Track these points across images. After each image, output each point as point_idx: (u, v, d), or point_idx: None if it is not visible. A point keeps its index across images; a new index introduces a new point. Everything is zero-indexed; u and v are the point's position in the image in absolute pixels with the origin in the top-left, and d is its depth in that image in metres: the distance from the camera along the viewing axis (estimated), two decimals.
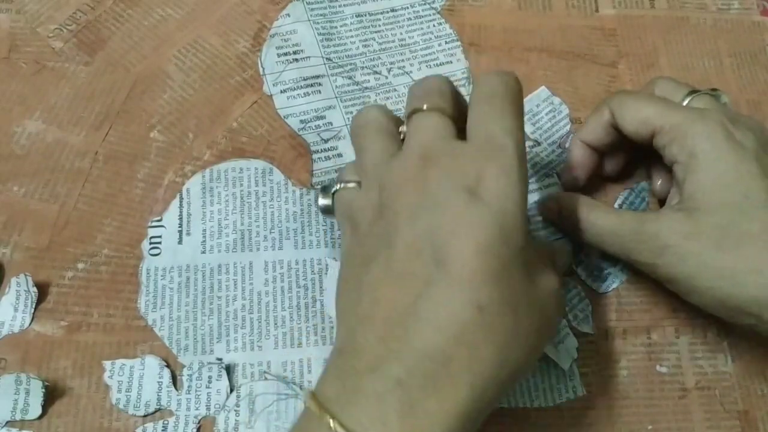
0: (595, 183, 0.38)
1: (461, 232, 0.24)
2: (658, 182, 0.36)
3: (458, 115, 0.28)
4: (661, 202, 0.36)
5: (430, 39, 0.41)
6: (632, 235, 0.31)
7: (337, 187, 0.29)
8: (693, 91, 0.33)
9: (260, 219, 0.36)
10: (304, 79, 0.39)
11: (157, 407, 0.32)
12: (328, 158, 0.37)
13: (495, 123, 0.26)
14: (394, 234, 0.25)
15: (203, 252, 0.35)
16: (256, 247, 0.35)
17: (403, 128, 0.29)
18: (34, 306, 0.33)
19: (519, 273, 0.25)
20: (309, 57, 0.40)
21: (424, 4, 0.42)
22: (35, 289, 0.33)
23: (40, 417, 0.31)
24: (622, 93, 0.35)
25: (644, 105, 0.32)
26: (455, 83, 0.40)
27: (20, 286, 0.33)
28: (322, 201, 0.30)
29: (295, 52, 0.40)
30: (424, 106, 0.27)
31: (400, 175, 0.26)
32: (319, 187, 0.31)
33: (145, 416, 0.31)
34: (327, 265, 0.35)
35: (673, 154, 0.31)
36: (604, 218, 0.32)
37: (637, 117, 0.32)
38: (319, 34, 0.41)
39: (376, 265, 0.25)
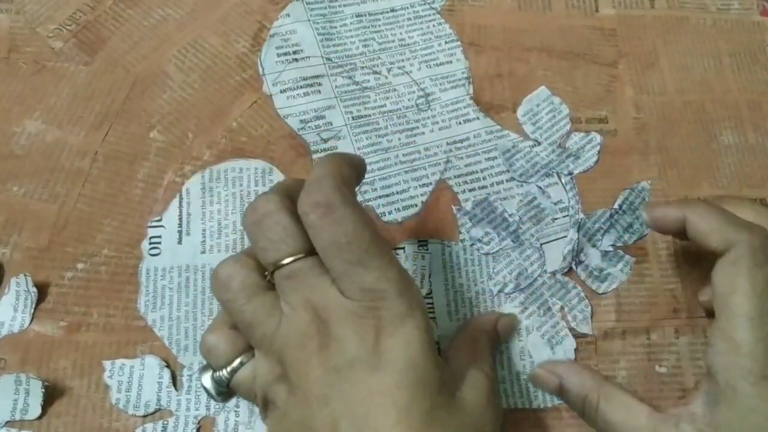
0: (595, 183, 0.38)
1: (376, 402, 0.24)
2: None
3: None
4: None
5: (430, 39, 0.41)
6: None
7: (225, 372, 0.27)
8: None
9: None
10: (304, 79, 0.39)
11: (157, 407, 0.32)
12: None
13: (363, 275, 0.24)
14: (311, 419, 0.24)
15: (203, 252, 0.35)
16: None
17: (268, 276, 0.26)
18: (33, 306, 0.33)
19: (445, 406, 0.25)
20: (309, 57, 0.40)
21: (424, 4, 0.42)
22: (35, 289, 0.33)
23: (40, 417, 0.31)
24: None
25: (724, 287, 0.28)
26: (455, 83, 0.40)
27: (20, 286, 0.33)
28: (215, 387, 0.27)
29: (294, 52, 0.40)
30: (284, 260, 0.25)
31: (297, 344, 0.25)
32: (197, 373, 0.28)
33: (144, 416, 0.31)
34: None
35: (718, 371, 0.27)
36: (616, 414, 0.29)
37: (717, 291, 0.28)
38: (319, 34, 0.41)
39: None
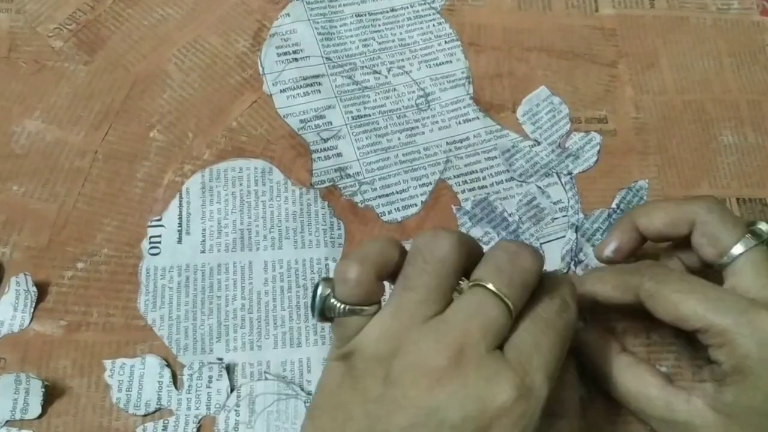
0: (594, 183, 0.38)
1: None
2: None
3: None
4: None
5: (430, 39, 0.41)
6: (660, 415, 0.29)
7: (343, 307, 0.25)
8: (749, 227, 0.30)
9: (260, 218, 0.36)
10: (304, 79, 0.39)
11: (158, 406, 0.32)
12: (327, 158, 0.37)
13: (539, 366, 0.24)
14: (383, 427, 0.23)
15: (203, 251, 0.35)
16: (255, 246, 0.35)
17: (461, 285, 0.26)
18: (33, 305, 0.33)
19: None
20: (309, 56, 0.40)
21: (424, 3, 0.42)
22: (35, 288, 0.33)
23: (40, 416, 0.31)
24: (660, 272, 0.30)
25: (686, 297, 0.28)
26: (454, 83, 0.40)
27: (20, 286, 0.33)
28: (320, 305, 0.26)
29: (294, 52, 0.40)
30: (497, 287, 0.25)
31: (423, 357, 0.24)
32: (322, 279, 0.26)
33: (145, 415, 0.31)
34: (327, 266, 0.35)
35: (718, 359, 0.28)
36: (630, 383, 0.30)
37: (676, 312, 0.29)
38: (319, 33, 0.41)
39: None
